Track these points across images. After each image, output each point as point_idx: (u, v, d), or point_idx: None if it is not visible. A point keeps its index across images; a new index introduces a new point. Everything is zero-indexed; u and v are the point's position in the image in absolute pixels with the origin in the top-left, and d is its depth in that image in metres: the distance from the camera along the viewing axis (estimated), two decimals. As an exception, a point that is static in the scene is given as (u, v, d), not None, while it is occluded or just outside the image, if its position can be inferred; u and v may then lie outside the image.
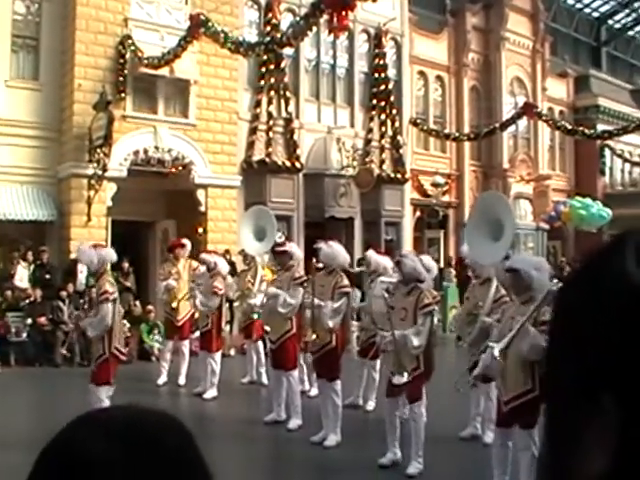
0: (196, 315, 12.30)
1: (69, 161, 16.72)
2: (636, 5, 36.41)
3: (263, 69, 19.63)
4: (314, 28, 14.11)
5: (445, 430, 8.70)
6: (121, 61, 17.02)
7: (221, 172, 18.56)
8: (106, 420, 0.88)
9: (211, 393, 11.29)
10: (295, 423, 9.28)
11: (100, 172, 16.16)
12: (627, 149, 32.73)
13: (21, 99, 16.83)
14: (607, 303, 0.70)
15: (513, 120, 24.07)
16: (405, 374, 7.28)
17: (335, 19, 12.42)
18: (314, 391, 10.56)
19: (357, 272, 12.84)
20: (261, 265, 12.39)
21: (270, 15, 19.92)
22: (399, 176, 22.27)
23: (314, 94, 21.45)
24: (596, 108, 30.62)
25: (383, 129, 22.40)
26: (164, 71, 16.90)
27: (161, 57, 16.23)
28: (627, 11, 37.38)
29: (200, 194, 18.36)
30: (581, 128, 24.88)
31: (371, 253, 10.56)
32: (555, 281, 6.53)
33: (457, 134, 24.62)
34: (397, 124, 22.67)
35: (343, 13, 12.32)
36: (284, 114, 20.19)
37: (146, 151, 17.32)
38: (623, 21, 38.26)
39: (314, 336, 8.51)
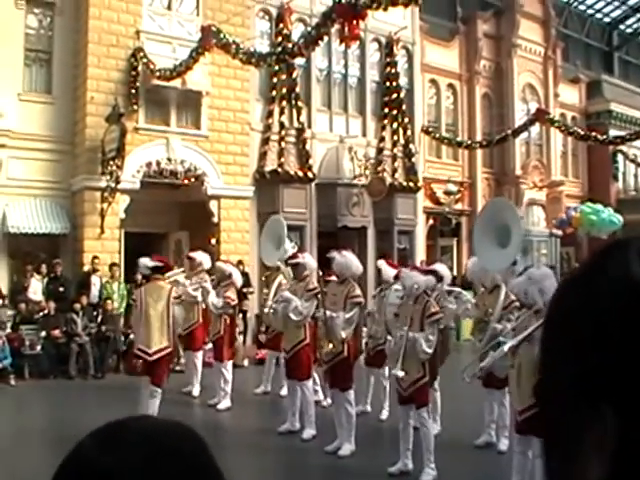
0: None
1: (82, 174, 16.76)
2: (648, 10, 36.28)
3: (275, 79, 19.69)
4: (325, 38, 14.11)
5: (460, 438, 8.70)
6: (133, 73, 17.10)
7: (233, 183, 18.59)
8: (123, 431, 0.90)
9: (225, 404, 11.27)
10: (309, 433, 9.28)
11: (113, 184, 16.20)
12: (640, 154, 32.61)
13: (34, 112, 16.91)
14: (609, 303, 0.70)
15: (525, 127, 23.97)
16: (403, 372, 7.35)
17: (346, 28, 12.45)
18: (328, 401, 10.55)
19: None
20: (283, 273, 11.71)
21: (281, 25, 19.98)
22: (411, 184, 22.24)
23: (326, 104, 21.48)
24: (609, 113, 30.49)
25: (395, 138, 22.38)
26: (176, 83, 16.95)
27: (173, 69, 16.29)
28: (639, 16, 37.20)
29: (213, 205, 18.39)
30: (594, 134, 24.71)
31: (382, 263, 10.73)
32: None
33: (469, 142, 24.54)
34: (409, 132, 22.66)
35: (354, 22, 12.34)
36: (296, 124, 20.23)
37: (159, 163, 17.36)
38: (635, 26, 38.02)
39: (331, 345, 8.51)
